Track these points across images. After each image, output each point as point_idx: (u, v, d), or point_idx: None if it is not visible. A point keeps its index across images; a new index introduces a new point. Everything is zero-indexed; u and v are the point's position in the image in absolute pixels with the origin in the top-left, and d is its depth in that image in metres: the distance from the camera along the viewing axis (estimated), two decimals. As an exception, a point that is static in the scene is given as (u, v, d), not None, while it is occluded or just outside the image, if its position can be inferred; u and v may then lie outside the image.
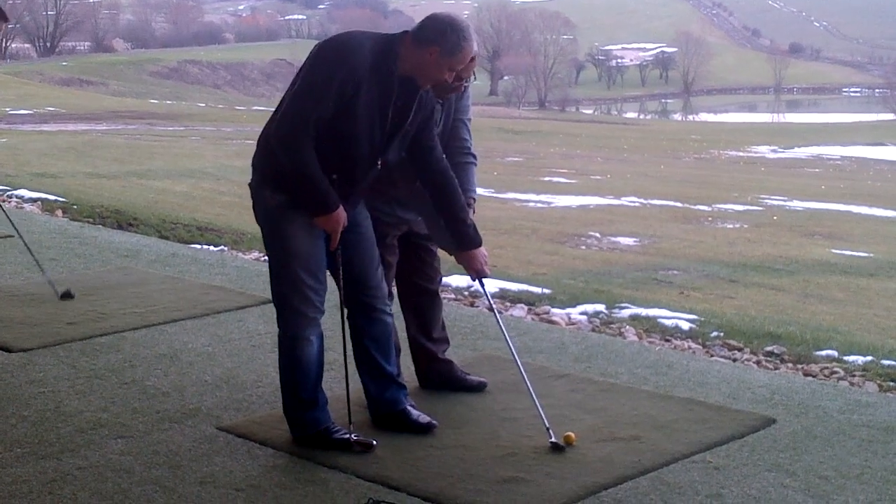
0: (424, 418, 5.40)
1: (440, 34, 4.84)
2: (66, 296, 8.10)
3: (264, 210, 5.04)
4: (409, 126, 5.01)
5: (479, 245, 5.40)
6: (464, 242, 5.38)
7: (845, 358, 7.55)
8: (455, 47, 4.85)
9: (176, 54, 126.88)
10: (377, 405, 5.38)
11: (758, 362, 7.38)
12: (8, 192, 14.81)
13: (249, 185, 5.10)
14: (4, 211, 9.05)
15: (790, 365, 7.37)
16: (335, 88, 4.72)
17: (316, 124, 4.76)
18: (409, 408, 5.42)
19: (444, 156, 5.32)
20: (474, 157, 5.88)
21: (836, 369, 7.25)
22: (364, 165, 4.98)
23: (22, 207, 13.47)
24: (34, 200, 14.01)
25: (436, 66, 4.88)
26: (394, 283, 5.86)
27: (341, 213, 4.93)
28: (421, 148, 5.20)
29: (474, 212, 5.67)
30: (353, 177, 4.98)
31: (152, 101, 68.46)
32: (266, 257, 10.29)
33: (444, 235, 5.48)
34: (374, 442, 5.13)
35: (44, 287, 8.23)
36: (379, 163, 5.01)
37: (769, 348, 7.73)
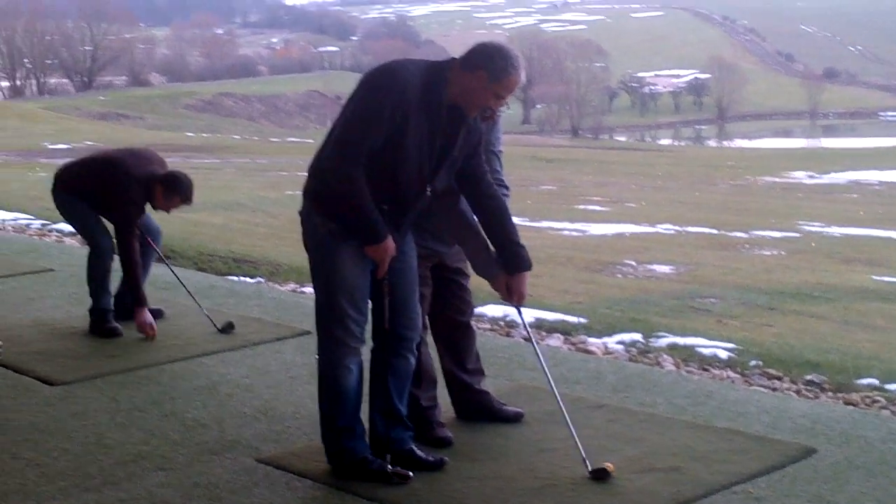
0: (433, 455, 5.38)
1: (488, 59, 4.87)
2: (228, 328, 8.19)
3: (314, 238, 5.05)
4: (456, 153, 5.03)
5: (531, 267, 5.40)
6: (516, 264, 5.35)
7: (887, 386, 7.48)
8: (502, 72, 4.87)
9: (211, 87, 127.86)
10: (384, 443, 5.31)
11: (798, 391, 7.34)
12: (49, 227, 14.93)
13: (300, 212, 5.11)
14: (170, 267, 9.06)
15: (830, 394, 7.32)
16: (385, 116, 4.74)
17: (366, 152, 4.78)
18: (414, 447, 5.39)
19: (492, 182, 5.33)
20: (507, 187, 5.90)
21: (877, 398, 7.19)
22: (413, 193, 4.99)
23: (62, 241, 13.58)
24: (73, 234, 14.10)
25: (482, 91, 4.89)
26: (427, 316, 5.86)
27: (390, 243, 4.95)
28: (472, 176, 5.22)
29: None
30: (403, 205, 5.00)
31: (188, 133, 68.83)
32: (302, 288, 10.39)
33: (487, 263, 5.45)
34: (411, 474, 5.14)
35: (84, 321, 8.29)
36: (428, 191, 5.04)
37: (809, 377, 7.68)
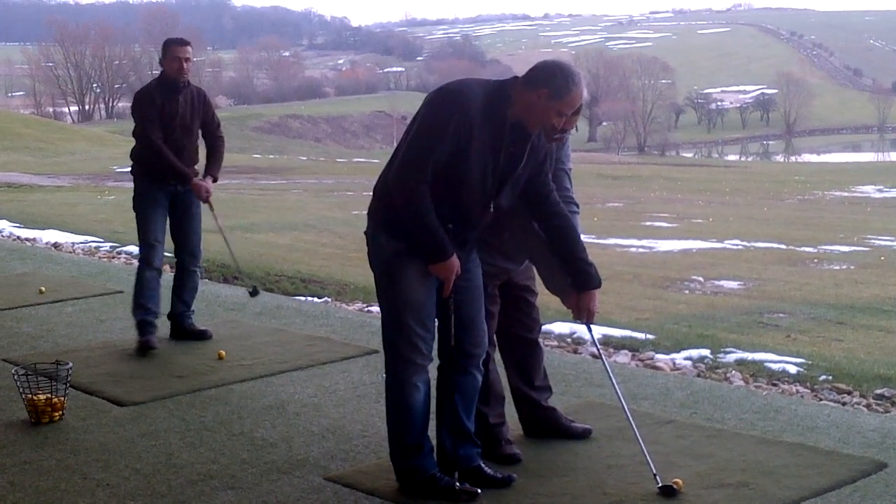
0: (501, 472, 5.38)
1: (549, 77, 4.88)
2: (254, 292, 9.39)
3: (380, 257, 5.08)
4: (521, 171, 5.04)
5: (600, 285, 5.40)
6: (584, 282, 5.35)
7: (958, 400, 7.38)
8: (563, 90, 4.87)
9: (277, 109, 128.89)
10: (452, 459, 5.30)
11: (868, 406, 7.25)
12: (118, 249, 15.11)
13: (365, 233, 5.15)
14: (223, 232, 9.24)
15: (901, 408, 7.23)
16: (450, 134, 4.77)
17: (431, 169, 4.81)
18: (482, 464, 5.39)
19: (559, 200, 5.34)
20: (577, 205, 5.91)
21: (948, 411, 7.09)
22: (477, 211, 5.02)
23: (131, 263, 13.71)
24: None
25: (544, 109, 4.90)
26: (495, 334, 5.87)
27: (455, 261, 4.97)
28: (537, 195, 5.24)
29: None
30: (468, 223, 5.03)
31: (255, 155, 69.27)
32: (370, 307, 10.43)
33: (559, 280, 5.45)
34: (479, 491, 5.13)
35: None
36: (492, 208, 5.05)
37: (879, 391, 7.58)
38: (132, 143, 8.75)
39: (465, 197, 4.93)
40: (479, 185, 4.92)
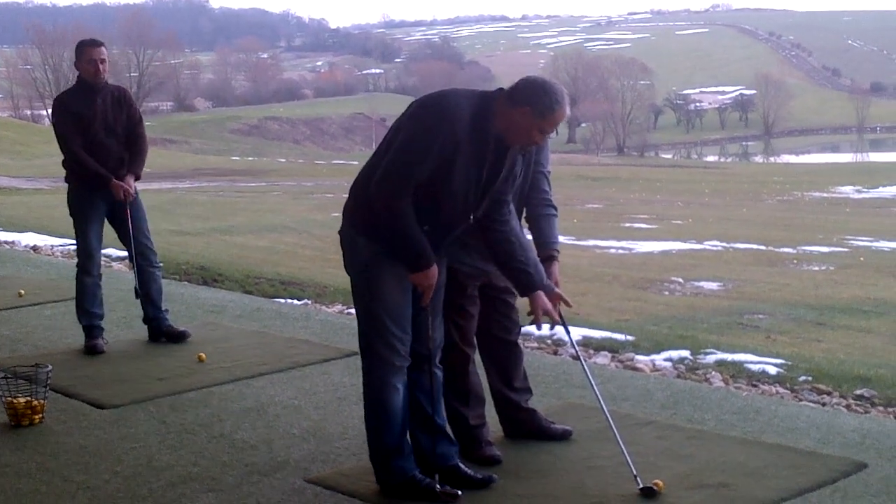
0: (481, 473, 5.38)
1: (533, 95, 4.86)
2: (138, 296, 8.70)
3: (358, 259, 5.07)
4: (499, 183, 5.04)
5: (542, 286, 5.31)
6: (527, 285, 5.30)
7: (937, 400, 7.41)
8: (547, 109, 4.86)
9: (256, 111, 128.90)
10: (430, 459, 5.29)
11: (847, 406, 7.27)
12: (95, 251, 15.05)
13: (340, 232, 5.15)
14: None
15: (881, 408, 7.25)
16: (435, 151, 4.76)
17: (414, 184, 4.79)
18: (460, 463, 5.39)
19: (509, 211, 5.31)
20: (555, 208, 5.92)
21: (928, 412, 7.12)
22: (457, 221, 5.03)
23: (110, 266, 13.68)
24: (122, 259, 14.21)
25: (526, 127, 4.89)
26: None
27: (435, 271, 4.98)
28: (494, 202, 5.21)
29: (559, 261, 5.75)
30: (446, 231, 5.03)
31: (234, 157, 69.34)
32: (350, 309, 10.42)
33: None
34: (460, 493, 5.13)
35: (133, 344, 8.40)
36: (471, 218, 5.06)
37: (859, 392, 7.61)
38: None
39: (445, 207, 4.92)
40: (462, 197, 4.92)
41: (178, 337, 8.69)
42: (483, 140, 4.87)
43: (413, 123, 4.89)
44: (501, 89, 4.98)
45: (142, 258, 8.69)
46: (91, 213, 8.50)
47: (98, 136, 8.30)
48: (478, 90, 5.05)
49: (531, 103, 4.85)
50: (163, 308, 8.81)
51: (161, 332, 8.73)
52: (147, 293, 8.72)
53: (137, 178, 8.54)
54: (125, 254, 13.80)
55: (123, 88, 8.75)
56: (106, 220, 8.62)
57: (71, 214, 8.61)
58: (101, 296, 8.63)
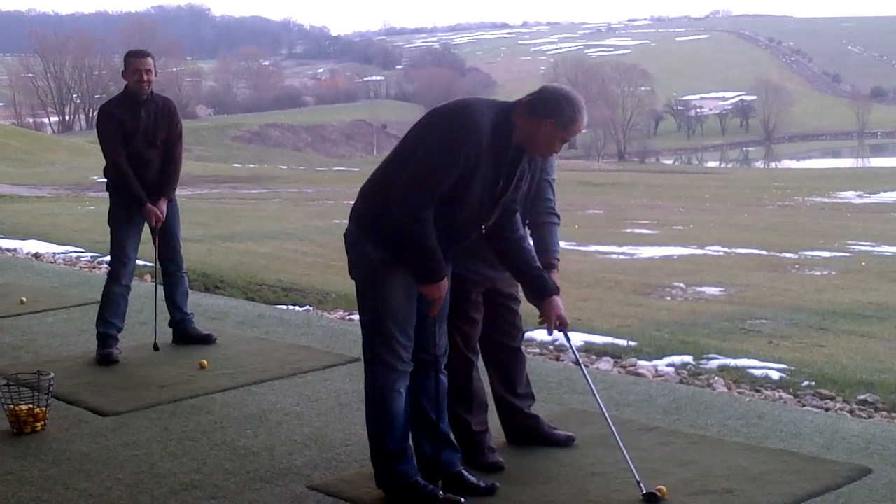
0: (485, 482, 5.36)
1: (556, 107, 4.86)
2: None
3: (364, 264, 5.04)
4: (511, 193, 5.04)
5: (558, 291, 5.38)
6: (542, 290, 5.35)
7: (941, 405, 7.40)
8: (570, 121, 4.87)
9: (257, 118, 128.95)
10: (433, 466, 5.30)
11: (851, 411, 7.26)
12: (98, 259, 15.05)
13: (345, 235, 5.12)
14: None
15: (884, 413, 7.24)
16: (459, 163, 4.75)
17: (437, 196, 4.79)
18: (463, 470, 5.38)
19: (517, 220, 5.32)
20: (558, 216, 5.93)
21: (931, 416, 7.11)
22: (470, 228, 5.03)
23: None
24: (143, 267, 14.20)
25: (549, 138, 4.90)
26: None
27: (446, 283, 4.98)
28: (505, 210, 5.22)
29: (558, 270, 5.75)
30: (457, 237, 5.03)
31: (235, 164, 69.34)
32: (351, 315, 10.41)
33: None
34: (463, 500, 5.12)
35: (135, 351, 8.40)
36: (483, 227, 5.07)
37: (862, 397, 7.60)
38: None
39: (460, 215, 4.92)
40: (476, 208, 4.92)
41: (204, 339, 8.77)
42: (503, 150, 4.86)
43: (439, 134, 4.85)
44: (520, 101, 4.97)
45: (171, 263, 8.79)
46: (130, 221, 8.54)
47: (139, 148, 8.33)
48: (496, 100, 5.05)
49: (555, 115, 4.84)
50: (188, 312, 8.86)
51: (188, 335, 8.76)
52: (173, 297, 8.78)
53: (170, 202, 8.57)
54: (142, 263, 13.91)
55: (170, 101, 8.74)
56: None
57: (109, 222, 8.63)
58: (125, 309, 8.62)
